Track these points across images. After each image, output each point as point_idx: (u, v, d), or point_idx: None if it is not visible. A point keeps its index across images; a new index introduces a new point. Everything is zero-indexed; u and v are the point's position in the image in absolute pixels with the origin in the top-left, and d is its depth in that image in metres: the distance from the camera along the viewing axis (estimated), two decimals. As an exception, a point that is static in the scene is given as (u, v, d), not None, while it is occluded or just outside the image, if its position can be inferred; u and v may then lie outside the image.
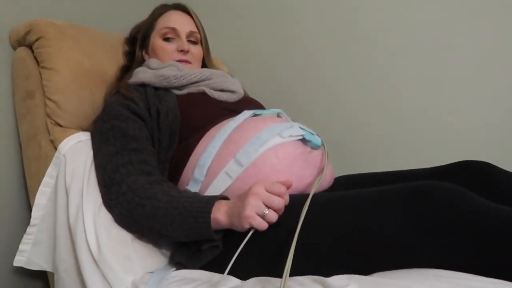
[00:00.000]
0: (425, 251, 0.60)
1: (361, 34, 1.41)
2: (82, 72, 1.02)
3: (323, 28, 1.45)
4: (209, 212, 0.71)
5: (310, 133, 0.87)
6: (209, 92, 1.00)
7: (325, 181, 0.86)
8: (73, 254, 0.80)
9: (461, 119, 1.31)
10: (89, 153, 0.90)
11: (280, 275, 0.59)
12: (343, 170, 1.06)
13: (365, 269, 0.63)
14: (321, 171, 0.83)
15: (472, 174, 0.80)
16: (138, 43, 1.12)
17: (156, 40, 1.08)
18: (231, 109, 0.97)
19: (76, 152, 0.91)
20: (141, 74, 1.02)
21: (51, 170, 0.90)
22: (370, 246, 0.63)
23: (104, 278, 0.75)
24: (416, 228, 0.60)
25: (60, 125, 0.97)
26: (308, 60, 1.48)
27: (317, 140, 0.86)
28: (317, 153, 0.86)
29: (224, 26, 1.56)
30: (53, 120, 0.97)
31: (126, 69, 1.10)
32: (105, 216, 0.82)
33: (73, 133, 0.95)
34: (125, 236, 0.81)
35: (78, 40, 1.06)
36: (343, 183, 0.95)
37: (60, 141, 0.93)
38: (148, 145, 0.88)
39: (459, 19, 1.29)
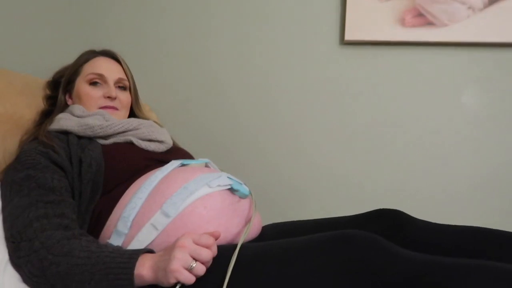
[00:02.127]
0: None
1: (282, 83, 1.50)
2: (-6, 117, 0.95)
3: (245, 79, 1.52)
4: (132, 268, 0.67)
5: (238, 182, 0.89)
6: (137, 142, 0.98)
7: (253, 230, 0.87)
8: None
9: (374, 173, 1.44)
10: (-3, 204, 0.82)
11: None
12: (270, 218, 1.08)
13: None
14: (249, 220, 0.84)
15: (386, 222, 0.87)
16: (61, 87, 1.07)
17: (81, 85, 1.05)
18: (159, 160, 0.95)
19: (-19, 204, 0.82)
20: (64, 122, 0.97)
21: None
22: (296, 296, 0.64)
23: None
24: (337, 276, 0.62)
25: (-35, 174, 0.88)
26: (235, 110, 1.53)
27: (245, 189, 0.88)
28: (245, 202, 0.88)
29: (152, 74, 1.57)
30: (-44, 168, 0.87)
31: (47, 114, 1.05)
32: (12, 275, 0.73)
33: (-21, 183, 0.86)
34: (35, 298, 0.73)
35: (-8, 83, 0.99)
36: (270, 231, 0.96)
37: (-36, 191, 0.84)
38: (67, 196, 0.82)
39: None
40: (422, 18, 1.36)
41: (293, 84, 1.48)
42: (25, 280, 0.73)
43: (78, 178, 0.85)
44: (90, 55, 1.10)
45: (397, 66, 1.42)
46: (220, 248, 0.72)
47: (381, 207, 0.92)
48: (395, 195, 1.43)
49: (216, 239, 0.73)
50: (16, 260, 0.74)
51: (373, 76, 1.43)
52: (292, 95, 1.48)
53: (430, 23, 1.35)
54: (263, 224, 0.98)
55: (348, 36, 1.39)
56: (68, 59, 1.12)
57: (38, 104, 1.07)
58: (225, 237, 0.79)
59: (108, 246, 0.76)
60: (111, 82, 1.06)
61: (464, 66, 1.38)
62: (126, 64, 1.13)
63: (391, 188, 1.44)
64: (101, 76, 1.05)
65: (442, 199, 1.41)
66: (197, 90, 1.54)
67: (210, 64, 1.53)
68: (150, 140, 1.00)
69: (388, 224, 0.86)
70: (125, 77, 1.10)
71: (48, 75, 1.14)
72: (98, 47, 1.13)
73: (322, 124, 1.47)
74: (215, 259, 0.70)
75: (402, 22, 1.37)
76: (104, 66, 1.07)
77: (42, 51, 1.36)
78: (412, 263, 0.61)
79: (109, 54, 1.11)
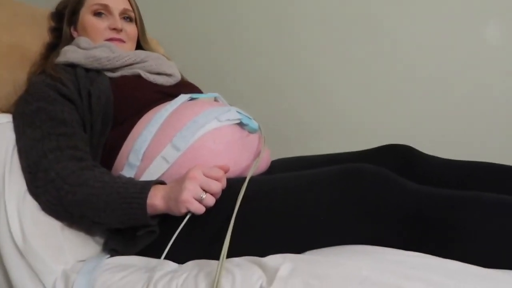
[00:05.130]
0: (355, 229, 0.64)
1: (295, 21, 1.44)
2: (1, 48, 0.93)
3: (261, 13, 1.46)
4: (145, 198, 0.70)
5: (247, 117, 0.88)
6: (145, 75, 0.96)
7: (262, 164, 0.88)
8: (-6, 245, 0.74)
9: (387, 110, 1.41)
10: (11, 136, 0.83)
11: (217, 257, 0.60)
12: (278, 154, 1.09)
13: (300, 247, 0.66)
14: (258, 154, 0.85)
15: (396, 157, 0.87)
16: (65, 19, 1.04)
17: (86, 16, 1.01)
18: (168, 93, 0.94)
19: (-5, 136, 0.83)
20: (70, 54, 0.95)
21: (-34, 156, 0.82)
22: (304, 226, 0.66)
23: (31, 269, 0.71)
24: (346, 208, 0.64)
25: (-24, 107, 0.89)
26: (246, 44, 1.48)
27: (254, 124, 0.88)
28: (254, 137, 0.88)
29: (161, 7, 1.51)
30: (-32, 101, 0.88)
31: (53, 47, 1.02)
32: (31, 204, 0.77)
33: (-8, 115, 0.87)
34: (54, 224, 0.77)
35: (-4, 13, 0.96)
36: (279, 166, 0.98)
37: (-23, 124, 0.85)
38: (78, 129, 0.83)
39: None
40: None
41: (311, 21, 1.41)
42: (44, 208, 0.77)
43: (88, 111, 0.85)
44: (94, -16, 1.05)
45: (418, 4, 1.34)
46: (230, 180, 0.73)
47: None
48: (408, 137, 1.41)
49: (226, 172, 0.74)
50: (34, 189, 0.77)
51: (393, 16, 1.36)
52: (309, 32, 1.43)
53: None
54: (272, 159, 0.99)
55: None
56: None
57: (43, 35, 1.05)
58: (234, 171, 0.80)
59: (121, 177, 0.78)
60: (116, 12, 1.02)
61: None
62: (132, -6, 1.08)
63: (403, 126, 1.41)
64: (105, 6, 1.01)
65: (459, 141, 1.39)
66: (208, 24, 1.49)
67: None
68: (158, 73, 0.98)
69: (398, 158, 0.87)
70: (130, 8, 1.06)
71: (53, 5, 1.10)
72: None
73: (338, 63, 1.43)
74: (224, 191, 0.72)
75: None
76: None
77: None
78: (418, 195, 0.62)
79: (114, -17, 1.06)
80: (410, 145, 0.90)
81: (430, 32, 1.35)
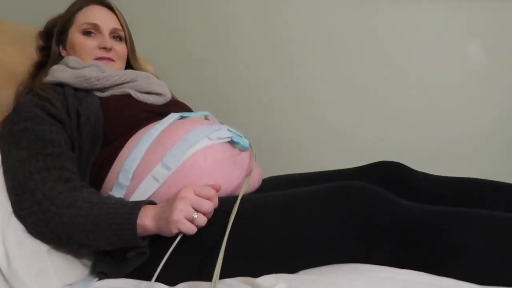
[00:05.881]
0: (347, 247, 0.64)
1: (285, 40, 1.46)
2: (-14, 67, 0.92)
3: (252, 31, 1.48)
4: (135, 219, 0.68)
5: (238, 135, 0.88)
6: (135, 94, 0.96)
7: (254, 182, 0.88)
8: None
9: (377, 127, 1.43)
10: (-4, 157, 0.81)
11: (209, 279, 0.59)
12: (270, 171, 1.09)
13: (293, 267, 0.65)
14: (249, 172, 0.85)
15: (386, 173, 0.88)
16: (54, 38, 1.03)
17: (75, 35, 1.01)
18: (158, 112, 0.94)
19: (-20, 156, 0.81)
20: (59, 73, 0.94)
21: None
22: (297, 245, 0.66)
23: (15, 295, 0.69)
24: (337, 225, 0.64)
25: (-40, 127, 0.86)
26: (235, 62, 1.49)
27: (245, 142, 0.87)
28: (245, 155, 0.88)
29: (151, 25, 1.52)
30: (-48, 121, 0.86)
31: (41, 66, 1.01)
32: (16, 227, 0.74)
33: (-23, 135, 0.85)
34: (40, 247, 0.75)
35: (-17, 32, 0.95)
36: (270, 184, 0.97)
37: (-39, 143, 0.83)
38: (66, 149, 0.82)
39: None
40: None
41: (302, 38, 1.43)
42: (30, 231, 0.75)
43: (77, 131, 0.84)
44: (83, 3, 1.04)
45: (401, 20, 1.37)
46: (221, 199, 0.73)
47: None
48: (397, 150, 1.42)
49: (217, 191, 0.73)
50: (20, 212, 0.75)
51: (375, 30, 1.39)
52: (295, 49, 1.44)
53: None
54: (263, 177, 0.99)
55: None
56: (61, 7, 1.06)
57: (31, 54, 1.04)
58: (226, 189, 0.80)
59: (111, 197, 0.77)
60: (106, 32, 1.02)
61: (470, 20, 1.33)
62: (121, 14, 1.09)
63: (392, 143, 1.43)
64: (95, 25, 1.01)
65: (443, 153, 1.41)
66: (198, 42, 1.50)
67: (210, 14, 1.47)
68: (148, 93, 0.98)
69: (388, 175, 0.87)
70: (120, 27, 1.06)
71: (41, 24, 1.09)
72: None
73: (324, 78, 1.45)
74: (216, 210, 0.71)
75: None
76: (98, 15, 1.02)
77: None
78: (411, 212, 0.62)
79: (103, 2, 1.06)
80: (400, 161, 0.91)
81: (419, 51, 1.38)
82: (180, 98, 1.16)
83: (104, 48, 1.00)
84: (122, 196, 0.79)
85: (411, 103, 1.41)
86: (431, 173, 0.89)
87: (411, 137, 1.43)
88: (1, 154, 0.82)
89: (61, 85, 0.93)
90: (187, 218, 0.67)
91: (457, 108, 1.39)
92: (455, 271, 0.55)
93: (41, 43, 1.08)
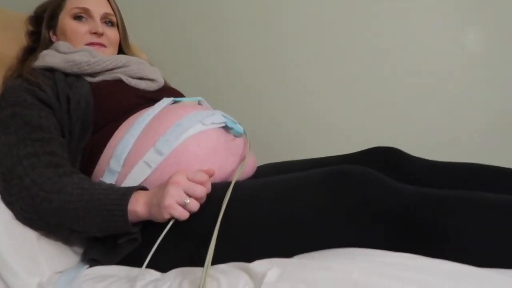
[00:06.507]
0: (343, 231, 0.62)
1: (282, 30, 1.44)
2: (-26, 52, 0.90)
3: (247, 19, 1.46)
4: (126, 205, 0.67)
5: (232, 121, 0.87)
6: (126, 79, 0.94)
7: (248, 169, 0.86)
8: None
9: (372, 114, 1.42)
10: (-16, 143, 0.79)
11: (201, 265, 0.58)
12: (264, 159, 1.08)
13: (288, 252, 0.64)
14: (243, 159, 0.83)
15: (382, 159, 0.87)
16: (44, 22, 1.01)
17: (65, 20, 0.99)
18: (150, 98, 0.92)
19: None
20: (49, 58, 0.92)
21: None
22: (291, 229, 0.64)
23: (4, 282, 0.67)
24: (333, 209, 0.63)
25: None
26: (229, 48, 1.47)
27: (239, 128, 0.86)
28: (239, 141, 0.86)
29: (144, 12, 1.49)
30: None
31: (30, 51, 0.99)
32: (5, 214, 0.73)
33: (-36, 121, 0.83)
34: (30, 235, 0.73)
35: (-30, 16, 0.93)
36: (265, 171, 0.96)
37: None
38: (56, 134, 0.80)
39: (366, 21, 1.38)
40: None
41: (297, 27, 1.42)
42: (18, 217, 0.73)
43: (67, 116, 0.82)
44: (74, -13, 1.02)
45: (398, 9, 1.35)
46: (214, 185, 0.71)
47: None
48: (392, 141, 1.41)
49: (210, 176, 0.72)
50: (8, 197, 0.73)
51: (371, 20, 1.37)
52: (294, 38, 1.42)
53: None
54: (258, 165, 0.98)
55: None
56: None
57: (20, 39, 1.02)
58: (219, 175, 0.78)
59: (101, 183, 0.75)
60: (97, 16, 1.00)
61: (467, 7, 1.32)
62: (113, -1, 1.07)
63: (387, 134, 1.42)
64: (86, 10, 0.99)
65: (438, 144, 1.40)
66: (191, 29, 1.47)
67: (207, 3, 1.45)
68: (140, 78, 0.96)
69: (384, 160, 0.86)
70: (111, 12, 1.04)
71: (30, 9, 1.07)
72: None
73: (319, 67, 1.43)
74: (209, 195, 0.69)
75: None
76: (89, 0, 1.00)
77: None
78: (407, 195, 0.61)
79: (94, -13, 1.04)
80: (396, 147, 0.90)
81: (414, 37, 1.37)
82: (174, 86, 1.14)
83: (95, 33, 0.98)
84: (113, 182, 0.78)
85: (409, 93, 1.40)
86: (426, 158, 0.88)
87: (409, 127, 1.42)
88: (-12, 140, 0.80)
89: (51, 70, 0.91)
90: (179, 203, 0.65)
91: (455, 97, 1.37)
92: (452, 254, 0.54)
93: (30, 28, 1.05)
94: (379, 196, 0.61)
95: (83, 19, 0.99)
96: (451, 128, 1.39)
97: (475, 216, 0.57)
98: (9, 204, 0.73)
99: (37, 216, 0.71)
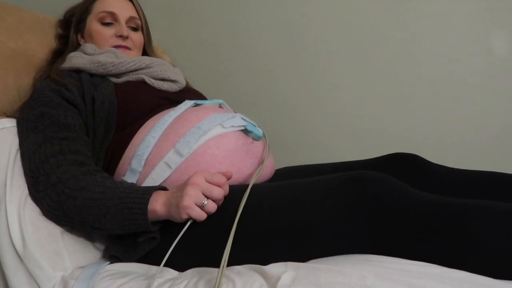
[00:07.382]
0: (359, 237, 0.62)
1: (304, 31, 1.44)
2: (7, 54, 0.94)
3: (268, 21, 1.46)
4: (146, 203, 0.69)
5: (252, 124, 0.88)
6: (149, 80, 0.96)
7: (266, 172, 0.87)
8: (-6, 250, 0.73)
9: (394, 118, 1.40)
10: (14, 141, 0.83)
11: (218, 265, 0.59)
12: (283, 162, 1.08)
13: (302, 256, 0.64)
14: (261, 162, 0.84)
15: (402, 165, 0.86)
16: (72, 26, 1.05)
17: (92, 24, 1.02)
18: (172, 99, 0.94)
19: (-1, 140, 0.83)
20: (75, 60, 0.96)
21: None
22: (307, 234, 0.65)
23: (30, 274, 0.70)
24: (350, 215, 0.62)
25: (-19, 111, 0.89)
26: (252, 52, 1.48)
27: (258, 131, 0.87)
28: (258, 144, 0.87)
29: (168, 15, 1.52)
30: (-27, 106, 0.88)
31: (59, 53, 1.03)
32: (32, 209, 0.76)
33: (-4, 120, 0.87)
34: (54, 230, 0.76)
35: (3, 19, 0.97)
36: (283, 174, 0.96)
37: (-19, 128, 0.85)
38: (81, 133, 0.83)
39: (392, 20, 1.37)
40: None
41: (318, 27, 1.41)
42: (45, 213, 0.76)
43: (91, 116, 0.85)
44: (101, -9, 1.06)
45: (422, 11, 1.33)
46: (232, 187, 0.72)
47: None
48: (413, 144, 1.39)
49: (228, 179, 0.73)
50: (35, 194, 0.76)
51: (395, 21, 1.35)
52: (316, 39, 1.42)
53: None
54: (276, 168, 0.98)
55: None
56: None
57: (49, 42, 1.06)
58: (237, 178, 0.79)
59: (123, 182, 0.77)
60: (122, 20, 1.03)
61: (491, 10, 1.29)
62: (138, 2, 1.10)
63: (409, 137, 1.39)
64: (112, 14, 1.02)
65: (462, 148, 1.37)
66: (214, 32, 1.49)
67: (227, 4, 1.47)
68: (163, 79, 0.98)
69: (404, 167, 0.85)
70: (137, 16, 1.07)
71: (58, 13, 1.11)
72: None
73: (339, 68, 1.42)
74: (226, 198, 0.70)
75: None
76: (115, 4, 1.04)
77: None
78: (425, 203, 0.60)
79: (121, -9, 1.07)
80: (416, 153, 0.89)
81: (437, 41, 1.34)
82: (196, 88, 1.16)
83: (120, 36, 1.01)
84: (134, 182, 0.80)
85: (432, 97, 1.37)
86: (447, 165, 0.86)
87: (431, 132, 1.39)
88: (19, 138, 0.83)
89: (77, 71, 0.94)
90: (197, 204, 0.67)
91: (480, 103, 1.34)
92: (469, 264, 0.54)
93: (60, 31, 1.10)
94: (396, 203, 0.60)
95: (109, 23, 1.02)
96: (478, 134, 1.36)
97: (495, 226, 0.56)
98: (36, 200, 0.76)
99: (62, 212, 0.74)
